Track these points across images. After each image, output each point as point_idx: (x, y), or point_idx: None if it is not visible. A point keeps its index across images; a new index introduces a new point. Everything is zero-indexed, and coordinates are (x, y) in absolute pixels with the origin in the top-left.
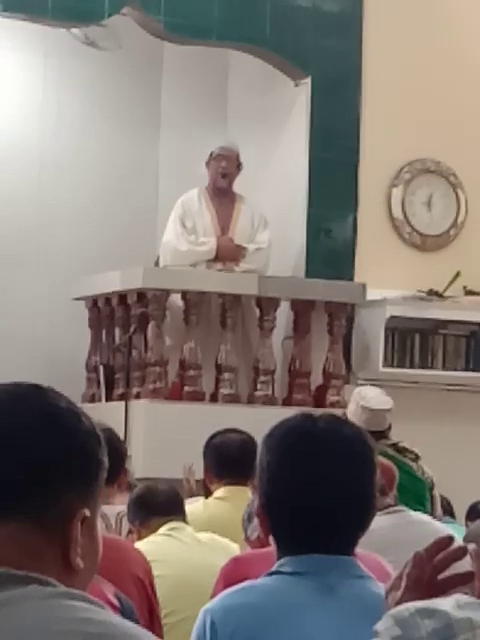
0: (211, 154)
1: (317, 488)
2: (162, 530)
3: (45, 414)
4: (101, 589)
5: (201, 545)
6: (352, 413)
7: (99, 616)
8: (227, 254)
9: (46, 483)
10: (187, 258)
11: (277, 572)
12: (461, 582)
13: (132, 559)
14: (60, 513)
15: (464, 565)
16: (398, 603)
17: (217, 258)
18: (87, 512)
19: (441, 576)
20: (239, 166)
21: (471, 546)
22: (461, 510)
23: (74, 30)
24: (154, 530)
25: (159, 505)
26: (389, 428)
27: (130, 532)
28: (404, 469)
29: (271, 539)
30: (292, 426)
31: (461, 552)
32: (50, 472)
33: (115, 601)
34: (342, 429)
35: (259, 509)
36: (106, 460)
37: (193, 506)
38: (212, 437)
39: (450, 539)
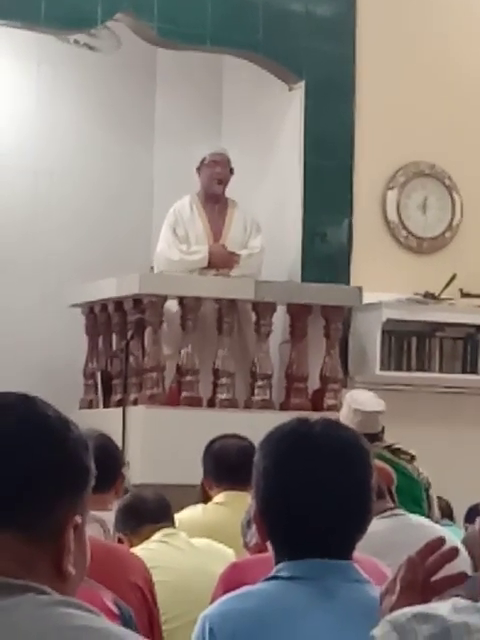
0: (203, 160)
1: (313, 492)
2: (157, 537)
3: (34, 424)
4: (100, 596)
5: (197, 551)
6: (345, 417)
7: (97, 624)
8: (220, 261)
9: (38, 493)
10: (179, 267)
11: (275, 577)
12: (454, 583)
13: (131, 566)
14: (53, 522)
15: (459, 565)
16: (393, 607)
17: (210, 266)
18: (78, 519)
19: (434, 578)
20: (231, 171)
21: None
22: (459, 513)
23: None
24: (146, 537)
25: (149, 512)
26: (382, 431)
27: (120, 541)
28: (399, 470)
29: (268, 544)
30: (288, 431)
31: (453, 553)
32: (42, 482)
33: (114, 608)
34: (338, 433)
35: (256, 514)
36: (94, 467)
37: (192, 511)
38: (211, 443)
39: (441, 540)
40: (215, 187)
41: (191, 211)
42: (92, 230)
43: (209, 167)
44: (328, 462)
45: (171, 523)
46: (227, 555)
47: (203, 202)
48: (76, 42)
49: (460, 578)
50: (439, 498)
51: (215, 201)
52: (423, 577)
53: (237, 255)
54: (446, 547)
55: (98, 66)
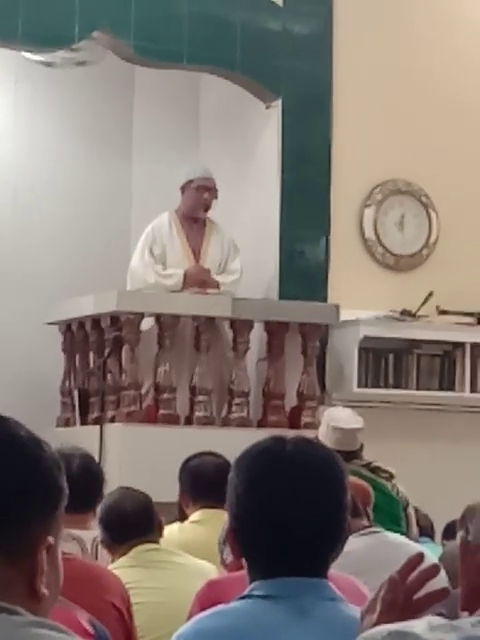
0: (190, 181)
1: (287, 511)
2: (136, 553)
3: (7, 444)
4: (75, 616)
5: (177, 568)
6: (323, 435)
7: None
8: (196, 283)
9: (11, 513)
10: (153, 290)
11: (249, 596)
12: (436, 600)
13: (108, 585)
14: (26, 542)
15: (437, 584)
16: (374, 626)
17: (185, 287)
18: (51, 540)
19: (416, 596)
20: (216, 196)
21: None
22: (437, 530)
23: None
24: (127, 551)
25: (130, 527)
26: (361, 448)
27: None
28: (378, 488)
29: (243, 562)
30: (262, 449)
31: (434, 570)
32: (14, 502)
33: (90, 628)
34: (311, 451)
35: (228, 532)
36: (66, 487)
37: (169, 530)
38: (188, 460)
39: (420, 556)
40: (200, 213)
41: (170, 229)
42: (72, 247)
43: (198, 191)
44: (302, 481)
45: (153, 535)
46: (208, 571)
47: (182, 220)
48: (63, 61)
49: (442, 594)
50: (422, 514)
51: (194, 220)
52: (405, 595)
53: (217, 282)
54: (426, 564)
55: (76, 82)
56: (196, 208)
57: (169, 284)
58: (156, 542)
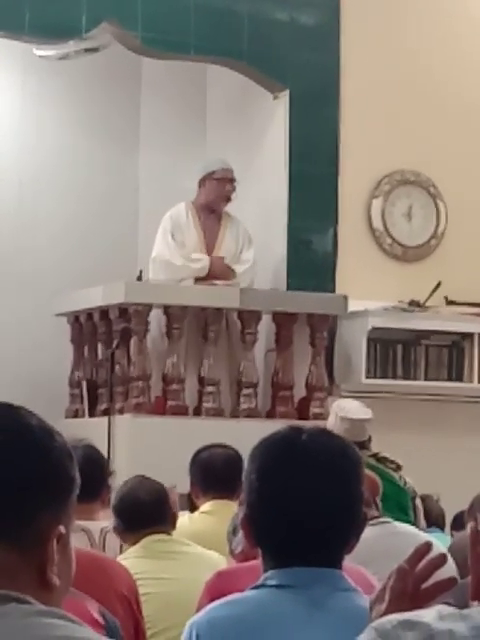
0: (211, 173)
1: (302, 501)
2: (147, 543)
3: (18, 433)
4: (85, 606)
5: (187, 558)
6: (332, 425)
7: (79, 634)
8: (218, 273)
9: (22, 502)
10: (181, 273)
11: (263, 585)
12: (444, 589)
13: (117, 576)
14: (36, 532)
15: (446, 573)
16: (382, 616)
17: (208, 276)
18: (62, 529)
19: (424, 585)
20: (235, 187)
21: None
22: (446, 521)
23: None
24: (139, 539)
25: (145, 516)
26: (369, 439)
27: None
28: (386, 478)
29: (258, 551)
30: (279, 438)
31: (442, 559)
32: (25, 491)
33: (100, 618)
34: (328, 441)
35: (244, 520)
36: (78, 476)
37: (179, 521)
38: (198, 452)
39: (428, 546)
40: (222, 203)
41: (186, 219)
42: (79, 240)
43: (220, 183)
44: (318, 471)
45: (165, 525)
46: (218, 562)
47: (198, 212)
48: (75, 53)
49: (450, 584)
50: (433, 502)
51: (211, 211)
52: (413, 585)
53: (233, 270)
54: (434, 553)
55: (83, 75)
56: (218, 200)
57: (196, 267)
58: (168, 532)
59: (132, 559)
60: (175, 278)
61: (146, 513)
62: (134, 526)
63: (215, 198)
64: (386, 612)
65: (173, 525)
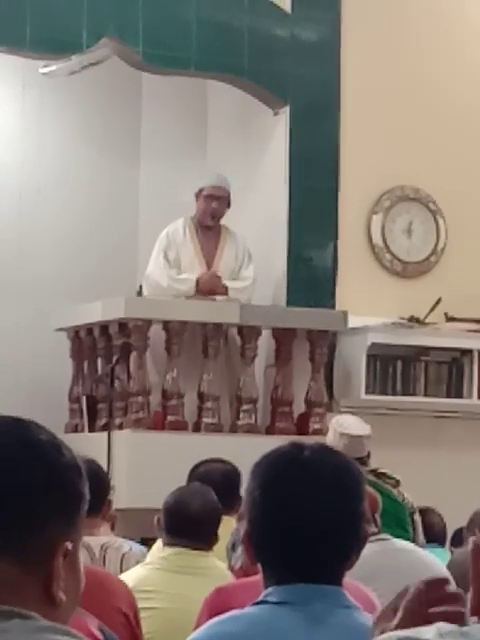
0: (201, 189)
1: (299, 516)
2: (169, 555)
3: (27, 447)
4: (85, 622)
5: (213, 573)
6: (331, 441)
7: None
8: (208, 290)
9: (28, 517)
10: (167, 293)
11: (264, 601)
12: (450, 620)
13: (117, 592)
14: (42, 547)
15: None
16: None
17: (197, 294)
18: (69, 545)
19: (432, 610)
20: (229, 204)
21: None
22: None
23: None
24: (171, 546)
25: (187, 526)
26: (368, 455)
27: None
28: (384, 494)
29: (259, 567)
30: (280, 454)
31: (455, 598)
32: (32, 506)
33: (99, 634)
34: (330, 458)
35: (245, 537)
36: (87, 492)
37: None
38: (196, 467)
39: (446, 581)
40: (208, 220)
41: (184, 236)
42: (78, 251)
43: (206, 200)
44: (320, 488)
45: (199, 543)
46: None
47: (197, 227)
48: (81, 67)
49: (458, 617)
50: (436, 515)
51: (208, 228)
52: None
53: (226, 287)
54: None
55: (84, 88)
56: (205, 216)
57: (182, 288)
58: (200, 549)
59: (149, 570)
60: (163, 298)
61: (191, 528)
62: (173, 534)
63: (202, 215)
64: (395, 630)
65: (211, 545)
